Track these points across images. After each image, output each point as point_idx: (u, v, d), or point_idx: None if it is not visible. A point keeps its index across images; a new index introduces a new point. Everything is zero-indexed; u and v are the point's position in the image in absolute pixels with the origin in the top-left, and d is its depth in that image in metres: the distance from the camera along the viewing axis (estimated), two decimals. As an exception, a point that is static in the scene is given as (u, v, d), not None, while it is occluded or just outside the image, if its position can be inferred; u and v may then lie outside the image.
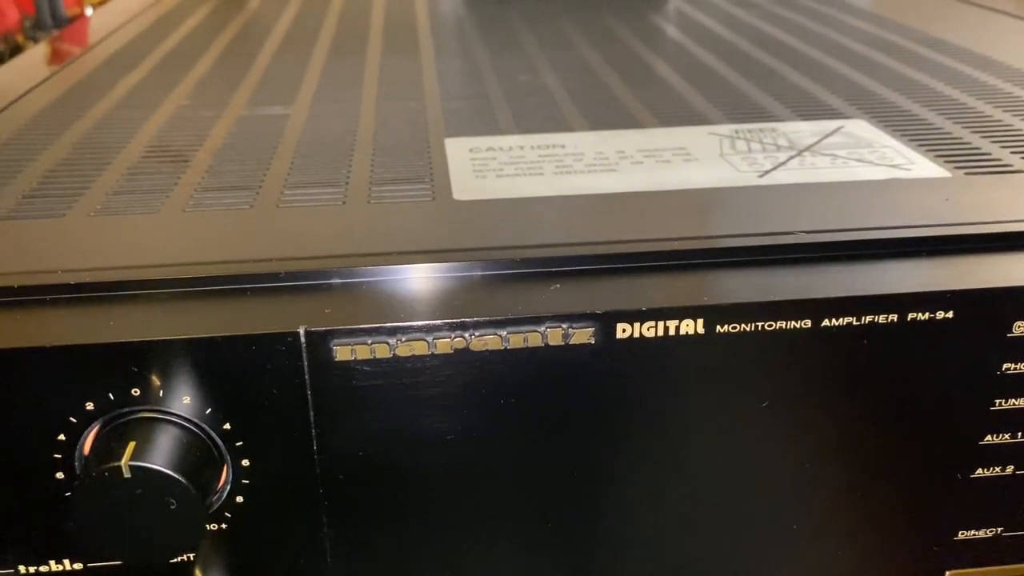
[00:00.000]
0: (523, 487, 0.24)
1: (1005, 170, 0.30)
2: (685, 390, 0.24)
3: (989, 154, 0.32)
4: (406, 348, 0.22)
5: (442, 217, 0.27)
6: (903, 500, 0.26)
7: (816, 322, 0.23)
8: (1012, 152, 0.32)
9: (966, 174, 0.30)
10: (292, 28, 0.55)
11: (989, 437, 0.25)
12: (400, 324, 0.22)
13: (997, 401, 0.25)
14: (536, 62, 0.46)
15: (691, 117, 0.36)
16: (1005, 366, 0.24)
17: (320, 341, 0.22)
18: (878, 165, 0.31)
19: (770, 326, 0.23)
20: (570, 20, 0.55)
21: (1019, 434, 0.25)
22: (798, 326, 0.23)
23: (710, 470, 0.25)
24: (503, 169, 0.31)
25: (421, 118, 0.37)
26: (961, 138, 0.33)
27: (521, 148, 0.33)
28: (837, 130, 0.34)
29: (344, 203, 0.28)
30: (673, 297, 0.23)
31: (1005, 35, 0.50)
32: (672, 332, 0.23)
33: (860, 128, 0.34)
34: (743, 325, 0.23)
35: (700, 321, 0.23)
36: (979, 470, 0.26)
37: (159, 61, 0.47)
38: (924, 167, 0.30)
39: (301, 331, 0.22)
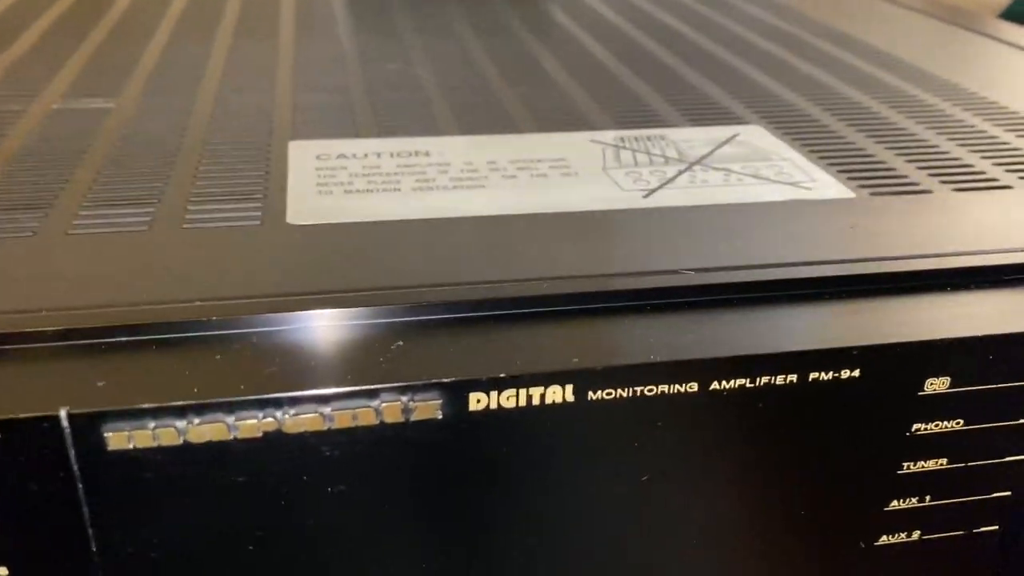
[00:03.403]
0: (356, 590, 0.20)
1: (912, 189, 0.27)
2: (554, 468, 0.20)
3: (894, 169, 0.29)
4: (200, 432, 0.17)
5: (266, 248, 0.23)
6: (804, 571, 0.23)
7: (703, 385, 0.20)
8: (919, 168, 0.29)
9: (871, 194, 0.27)
10: (135, 2, 0.48)
11: (895, 503, 0.22)
12: (191, 402, 0.17)
13: (905, 464, 0.22)
14: (410, 50, 0.41)
15: (573, 120, 0.32)
16: (915, 427, 0.21)
17: (88, 426, 0.17)
18: (775, 182, 0.27)
19: (651, 391, 0.19)
20: (454, 2, 0.51)
21: (927, 498, 0.23)
22: (683, 390, 0.20)
23: (585, 558, 0.21)
24: (352, 183, 0.27)
25: (266, 115, 0.32)
26: (864, 149, 0.30)
27: (378, 155, 0.29)
28: (732, 138, 0.31)
29: (149, 229, 0.23)
30: (537, 359, 0.19)
31: (913, 33, 0.47)
32: (536, 401, 0.19)
33: (756, 136, 0.31)
34: (619, 391, 0.19)
35: (569, 387, 0.19)
36: (884, 537, 0.23)
37: (-29, 38, 0.41)
38: (826, 185, 0.27)
39: (62, 414, 0.17)
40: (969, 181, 0.28)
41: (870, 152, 0.30)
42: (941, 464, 0.22)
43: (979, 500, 0.23)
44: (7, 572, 0.18)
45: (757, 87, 0.37)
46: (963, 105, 0.35)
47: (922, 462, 0.22)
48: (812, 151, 0.30)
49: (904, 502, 0.22)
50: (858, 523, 0.23)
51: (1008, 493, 0.23)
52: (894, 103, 0.35)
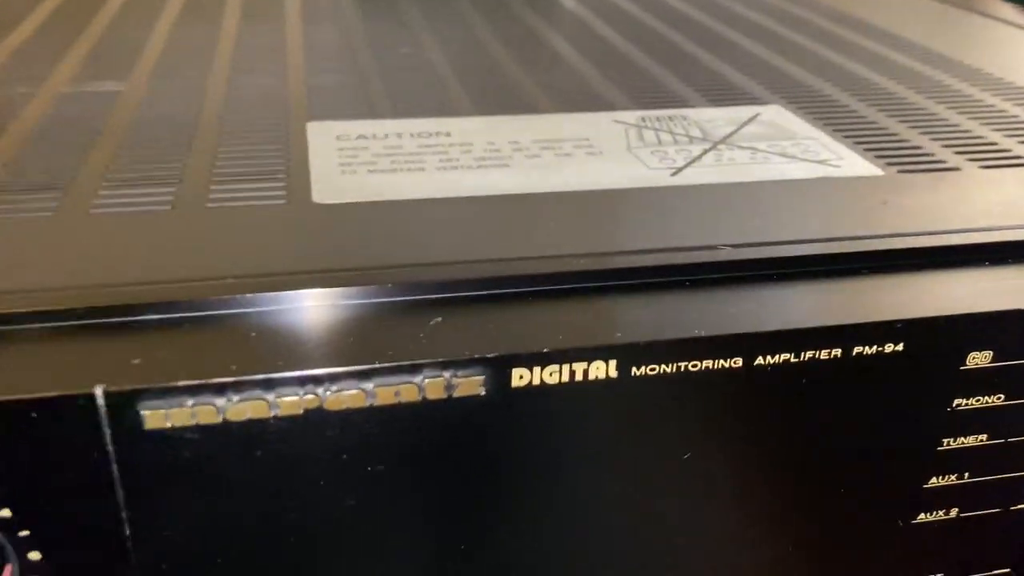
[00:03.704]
0: (395, 573, 0.20)
1: (939, 167, 0.27)
2: (597, 445, 0.19)
3: (920, 148, 0.29)
4: (239, 410, 0.17)
5: (295, 226, 0.22)
6: (841, 549, 0.23)
7: (748, 360, 0.19)
8: (943, 146, 0.29)
9: (899, 172, 0.27)
10: (138, -13, 0.48)
11: (935, 480, 0.22)
12: (230, 379, 0.17)
13: (945, 441, 0.22)
14: (420, 34, 0.41)
15: (592, 101, 0.32)
16: (956, 402, 0.21)
17: (124, 404, 0.17)
18: (803, 160, 0.27)
19: (695, 366, 0.19)
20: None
21: (966, 475, 0.22)
22: (727, 365, 0.19)
23: (628, 535, 0.21)
24: (376, 162, 0.26)
25: (280, 96, 0.32)
26: (887, 128, 0.30)
27: (399, 136, 0.28)
28: (754, 118, 0.30)
29: (173, 208, 0.23)
30: (580, 334, 0.19)
31: (923, 15, 0.47)
32: (579, 377, 0.19)
33: (778, 115, 0.31)
34: (663, 366, 0.19)
35: (612, 363, 0.19)
36: (922, 515, 0.23)
37: (-29, 23, 0.40)
38: (854, 163, 0.27)
39: (98, 392, 0.16)
40: (995, 159, 0.28)
41: (893, 131, 0.30)
42: (981, 440, 0.22)
43: (1018, 477, 0.23)
44: (40, 555, 0.18)
45: (772, 68, 0.36)
46: (981, 85, 0.35)
47: (962, 438, 0.22)
48: (835, 130, 0.30)
49: (943, 479, 0.22)
50: (897, 500, 0.22)
51: (1046, 470, 0.23)
52: (911, 84, 0.35)
